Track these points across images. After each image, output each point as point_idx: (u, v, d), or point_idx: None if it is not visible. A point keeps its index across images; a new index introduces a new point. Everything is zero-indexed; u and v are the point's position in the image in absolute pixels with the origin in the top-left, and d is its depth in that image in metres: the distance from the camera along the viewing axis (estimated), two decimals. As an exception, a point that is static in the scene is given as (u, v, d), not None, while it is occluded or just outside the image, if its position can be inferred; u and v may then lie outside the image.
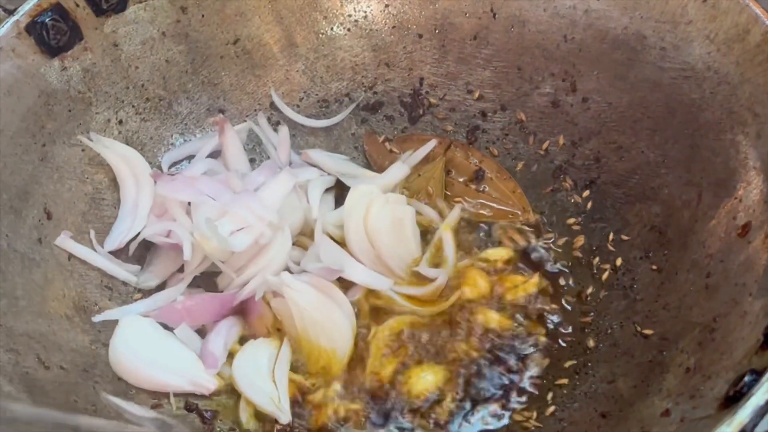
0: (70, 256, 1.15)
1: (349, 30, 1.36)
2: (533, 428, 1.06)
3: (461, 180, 1.30)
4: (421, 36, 1.35)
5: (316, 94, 1.37)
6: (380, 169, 1.31)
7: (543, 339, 1.15)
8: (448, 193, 1.29)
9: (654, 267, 1.14)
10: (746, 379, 0.82)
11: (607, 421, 1.01)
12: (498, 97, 1.33)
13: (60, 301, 1.10)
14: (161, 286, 1.20)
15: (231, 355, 1.13)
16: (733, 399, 0.82)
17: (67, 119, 1.17)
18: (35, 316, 1.06)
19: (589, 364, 1.11)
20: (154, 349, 1.09)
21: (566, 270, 1.21)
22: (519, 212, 1.26)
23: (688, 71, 1.12)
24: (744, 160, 1.04)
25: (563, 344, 1.14)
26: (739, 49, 1.06)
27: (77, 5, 1.16)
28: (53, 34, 1.14)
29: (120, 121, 1.23)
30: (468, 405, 1.09)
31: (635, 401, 1.00)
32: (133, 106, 1.25)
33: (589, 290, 1.18)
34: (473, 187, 1.28)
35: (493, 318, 1.16)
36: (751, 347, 0.88)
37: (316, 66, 1.36)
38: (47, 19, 1.13)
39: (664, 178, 1.16)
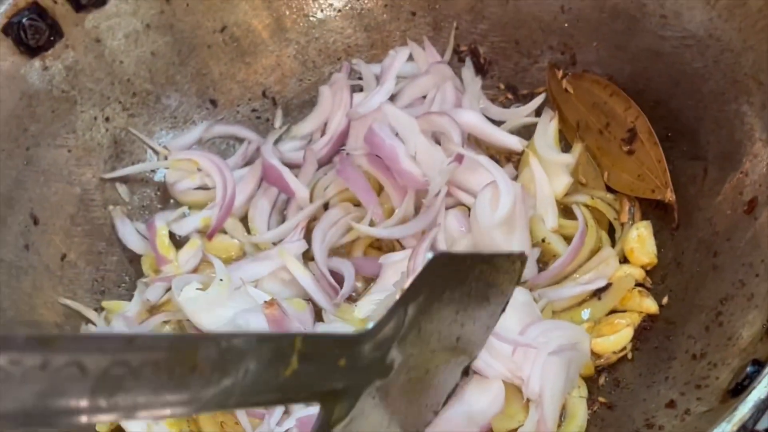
0: (63, 257, 1.13)
1: (339, 11, 1.31)
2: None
3: (615, 138, 1.16)
4: (414, 14, 1.30)
5: (309, 79, 1.33)
6: (553, 105, 1.23)
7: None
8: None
9: (660, 247, 1.09)
10: (748, 369, 0.77)
11: (613, 412, 0.98)
12: (497, 74, 1.28)
13: (49, 308, 1.08)
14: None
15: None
16: (734, 392, 0.78)
17: (51, 120, 1.14)
18: (23, 326, 1.04)
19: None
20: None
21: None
22: (661, 187, 1.09)
23: (690, 39, 1.07)
24: (749, 132, 0.99)
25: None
26: (741, 14, 1.00)
27: (55, 2, 1.12)
28: (32, 34, 1.10)
29: (107, 119, 1.20)
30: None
31: (641, 390, 0.96)
32: (120, 102, 1.21)
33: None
34: (625, 149, 1.14)
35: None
36: (757, 333, 0.84)
37: (308, 50, 1.32)
38: (24, 19, 1.09)
39: (669, 152, 1.09)
